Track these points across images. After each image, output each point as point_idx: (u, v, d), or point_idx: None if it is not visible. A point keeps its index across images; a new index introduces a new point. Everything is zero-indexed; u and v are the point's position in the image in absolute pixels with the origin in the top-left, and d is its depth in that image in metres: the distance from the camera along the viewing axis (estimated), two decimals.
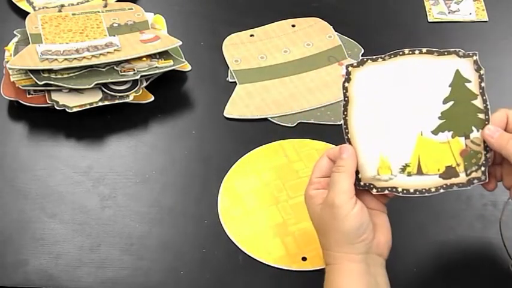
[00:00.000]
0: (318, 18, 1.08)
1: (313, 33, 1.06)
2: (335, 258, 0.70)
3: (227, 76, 1.01)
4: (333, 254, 0.71)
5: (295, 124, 0.95)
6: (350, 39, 1.05)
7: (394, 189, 0.72)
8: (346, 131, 0.73)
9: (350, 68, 0.72)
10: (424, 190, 0.71)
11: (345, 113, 0.73)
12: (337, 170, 0.71)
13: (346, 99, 0.72)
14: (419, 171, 0.71)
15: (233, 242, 0.82)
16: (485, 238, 0.82)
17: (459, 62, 0.71)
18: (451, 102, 0.71)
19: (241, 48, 1.04)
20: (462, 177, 0.71)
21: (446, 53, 0.71)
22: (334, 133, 0.93)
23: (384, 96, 0.72)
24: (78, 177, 0.89)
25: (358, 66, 0.72)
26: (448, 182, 0.71)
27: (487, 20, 1.08)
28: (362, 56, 1.02)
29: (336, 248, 0.70)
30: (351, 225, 0.69)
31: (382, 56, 0.72)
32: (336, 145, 0.74)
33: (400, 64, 0.72)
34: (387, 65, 0.72)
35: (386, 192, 0.72)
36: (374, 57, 0.72)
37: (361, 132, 0.72)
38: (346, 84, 0.72)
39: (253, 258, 0.81)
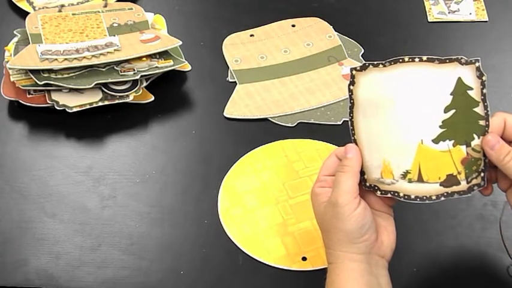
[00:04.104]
0: (318, 18, 1.08)
1: (313, 33, 1.06)
2: (337, 257, 0.70)
3: (227, 76, 1.01)
4: (334, 252, 0.71)
5: (295, 124, 0.95)
6: (350, 39, 1.05)
7: (396, 194, 0.71)
8: (353, 132, 0.72)
9: (354, 72, 0.72)
10: (424, 197, 0.71)
11: (351, 114, 0.72)
12: (342, 169, 0.71)
13: (352, 101, 0.72)
14: (420, 179, 0.71)
15: (233, 242, 0.82)
16: (485, 238, 0.82)
17: (461, 70, 0.69)
18: (453, 111, 0.70)
19: (241, 48, 1.04)
20: (463, 185, 0.71)
21: (447, 61, 0.69)
22: (334, 133, 0.93)
23: (386, 103, 0.71)
24: (78, 177, 0.89)
25: (361, 70, 0.71)
26: (449, 190, 0.71)
27: (487, 20, 1.08)
28: (362, 55, 1.02)
29: (337, 246, 0.70)
30: (353, 225, 0.69)
31: (383, 62, 0.70)
32: (336, 145, 0.74)
33: (400, 72, 0.70)
34: (388, 73, 0.70)
35: (389, 195, 0.72)
36: (375, 62, 0.71)
37: (365, 134, 0.72)
38: (351, 87, 0.72)
39: (253, 258, 0.81)
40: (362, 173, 0.72)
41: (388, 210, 0.74)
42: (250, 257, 0.81)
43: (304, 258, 0.81)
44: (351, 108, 0.72)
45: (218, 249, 0.82)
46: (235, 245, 0.82)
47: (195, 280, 0.80)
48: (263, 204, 0.86)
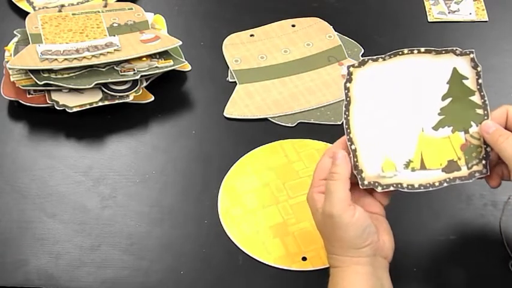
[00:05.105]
0: (318, 18, 1.08)
1: (313, 33, 1.06)
2: (342, 262, 0.70)
3: (227, 76, 1.01)
4: (339, 257, 0.70)
5: (295, 124, 0.95)
6: (350, 39, 1.05)
7: (399, 185, 0.72)
8: (348, 130, 0.73)
9: (351, 69, 0.73)
10: (428, 185, 0.72)
11: (347, 113, 0.73)
12: (332, 177, 0.70)
13: (348, 99, 0.73)
14: (423, 167, 0.73)
15: (233, 242, 0.82)
16: (485, 238, 0.82)
17: (456, 60, 0.73)
18: (449, 99, 0.73)
19: (241, 48, 1.04)
20: (464, 171, 0.73)
21: (444, 52, 0.73)
22: (334, 133, 0.92)
23: (385, 95, 0.73)
24: (78, 177, 0.89)
25: (359, 66, 0.73)
26: (451, 175, 0.73)
27: (487, 20, 1.08)
28: (362, 55, 1.02)
29: (341, 252, 0.70)
30: (355, 232, 0.69)
31: (383, 56, 0.73)
32: None
33: (399, 63, 0.73)
34: (387, 65, 0.73)
35: (391, 188, 0.72)
36: (375, 57, 0.73)
37: (363, 131, 0.73)
38: (348, 85, 0.73)
39: (253, 258, 0.81)
40: (360, 171, 0.72)
41: (380, 211, 0.74)
42: (250, 257, 0.81)
43: (304, 258, 0.81)
44: (347, 106, 0.73)
45: (218, 249, 0.82)
46: (235, 245, 0.82)
47: (195, 280, 0.80)
48: (263, 204, 0.86)
